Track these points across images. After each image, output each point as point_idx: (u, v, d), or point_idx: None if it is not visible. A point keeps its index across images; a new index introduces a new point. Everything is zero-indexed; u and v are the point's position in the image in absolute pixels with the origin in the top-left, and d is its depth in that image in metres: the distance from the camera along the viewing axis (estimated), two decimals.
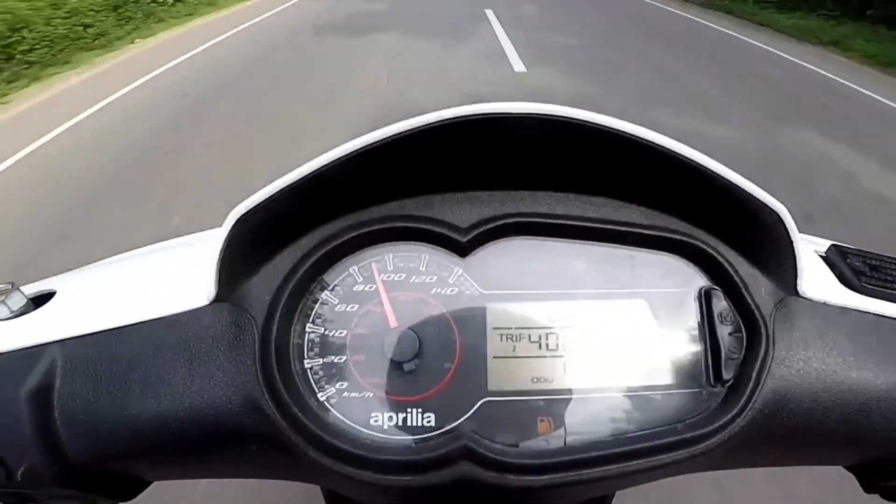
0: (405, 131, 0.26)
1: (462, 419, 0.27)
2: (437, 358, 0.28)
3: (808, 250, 0.35)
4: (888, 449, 0.31)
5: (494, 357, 0.28)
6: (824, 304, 0.30)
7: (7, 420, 0.26)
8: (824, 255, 0.35)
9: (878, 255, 0.35)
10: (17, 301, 0.31)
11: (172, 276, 0.31)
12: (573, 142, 0.27)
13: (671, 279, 0.30)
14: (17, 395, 0.26)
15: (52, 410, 0.27)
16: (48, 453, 0.27)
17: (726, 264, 0.29)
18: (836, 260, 0.34)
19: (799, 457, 0.33)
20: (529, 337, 0.28)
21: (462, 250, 0.29)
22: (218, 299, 0.28)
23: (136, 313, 0.28)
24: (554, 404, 0.27)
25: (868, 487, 0.36)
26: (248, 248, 0.28)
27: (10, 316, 0.30)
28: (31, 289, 0.33)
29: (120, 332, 0.28)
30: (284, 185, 0.26)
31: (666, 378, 0.28)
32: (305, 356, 0.28)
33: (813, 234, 0.40)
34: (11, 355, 0.28)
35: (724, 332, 0.28)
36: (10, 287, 0.31)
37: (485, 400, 0.27)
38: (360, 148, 0.26)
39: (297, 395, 0.26)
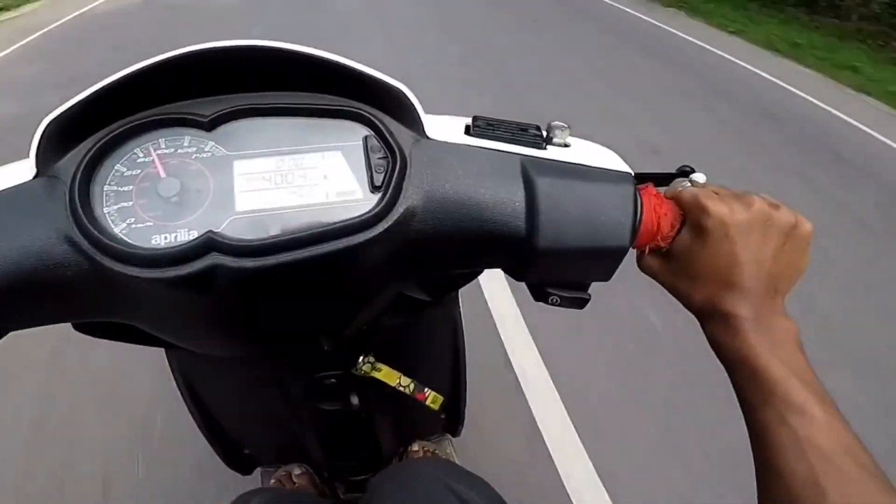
0: (172, 57, 0.40)
1: (217, 230, 0.39)
2: (198, 194, 0.40)
3: (458, 122, 0.50)
4: (503, 244, 0.44)
5: (241, 191, 0.41)
6: (445, 142, 0.45)
7: None
8: (467, 123, 0.50)
9: (500, 119, 0.51)
10: None
11: (6, 170, 0.43)
12: (275, 59, 0.42)
13: (351, 136, 0.44)
14: None
15: None
16: None
17: (376, 120, 0.44)
18: (471, 122, 0.49)
19: (457, 257, 0.47)
20: (264, 177, 0.42)
21: (207, 127, 0.43)
22: (37, 175, 0.40)
23: None
24: (280, 217, 0.41)
25: (532, 294, 0.50)
26: (56, 141, 0.40)
27: None
28: None
29: None
30: (81, 98, 0.39)
31: (350, 194, 0.42)
32: (104, 205, 0.40)
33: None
34: None
35: (375, 158, 0.43)
36: None
37: (233, 217, 0.40)
38: (143, 68, 0.39)
39: (98, 227, 0.38)
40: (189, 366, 0.85)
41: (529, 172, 0.44)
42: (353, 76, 0.43)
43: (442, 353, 0.96)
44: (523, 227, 0.43)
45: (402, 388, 0.78)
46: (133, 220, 0.40)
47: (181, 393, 0.89)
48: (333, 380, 0.74)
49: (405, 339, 0.85)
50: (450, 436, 1.22)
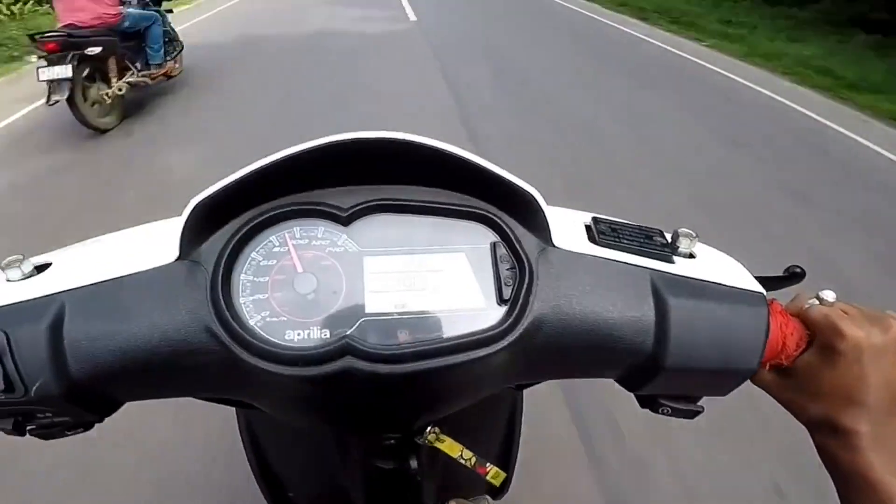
0: (306, 150, 0.41)
1: (348, 331, 0.40)
2: (332, 292, 0.41)
3: (578, 221, 0.50)
4: (626, 360, 0.43)
5: (370, 291, 0.42)
6: (571, 252, 0.44)
7: (30, 347, 0.38)
8: (587, 224, 0.50)
9: (621, 222, 0.51)
10: (27, 267, 0.43)
11: (146, 245, 0.44)
12: (410, 153, 0.43)
13: (478, 238, 0.44)
14: (38, 329, 0.38)
15: (62, 339, 0.39)
16: (57, 373, 0.39)
17: (505, 226, 0.44)
18: (592, 226, 0.49)
19: (575, 368, 0.46)
20: (393, 278, 0.42)
21: (344, 222, 0.43)
22: (180, 258, 0.41)
23: (121, 270, 0.41)
24: (408, 321, 0.41)
25: (639, 401, 0.49)
26: (201, 224, 0.41)
27: (22, 277, 0.43)
28: (33, 260, 0.45)
29: (109, 282, 0.41)
30: (226, 184, 0.40)
31: (475, 302, 0.42)
32: (240, 295, 0.41)
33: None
34: (32, 302, 0.40)
35: (503, 269, 0.43)
36: (21, 257, 0.44)
37: (363, 319, 0.41)
38: (281, 158, 0.41)
39: (236, 318, 0.39)
40: (256, 418, 0.87)
41: (661, 291, 0.43)
42: (483, 176, 0.43)
43: (499, 423, 0.95)
44: (650, 345, 0.43)
45: (463, 461, 0.77)
46: (268, 313, 0.40)
47: (241, 434, 0.89)
48: (393, 440, 0.74)
49: (468, 413, 0.85)
50: (489, 498, 1.19)
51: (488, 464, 0.80)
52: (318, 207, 0.43)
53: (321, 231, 0.43)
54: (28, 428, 0.43)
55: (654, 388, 0.47)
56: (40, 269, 0.44)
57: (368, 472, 0.83)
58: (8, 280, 0.42)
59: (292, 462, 0.95)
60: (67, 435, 0.45)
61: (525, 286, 0.42)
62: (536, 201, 0.44)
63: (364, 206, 0.43)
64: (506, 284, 0.42)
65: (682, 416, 0.48)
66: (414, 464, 0.80)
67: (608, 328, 0.43)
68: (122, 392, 0.43)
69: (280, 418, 0.54)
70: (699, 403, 0.49)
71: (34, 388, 0.38)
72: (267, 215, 0.42)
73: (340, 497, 1.01)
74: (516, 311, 0.41)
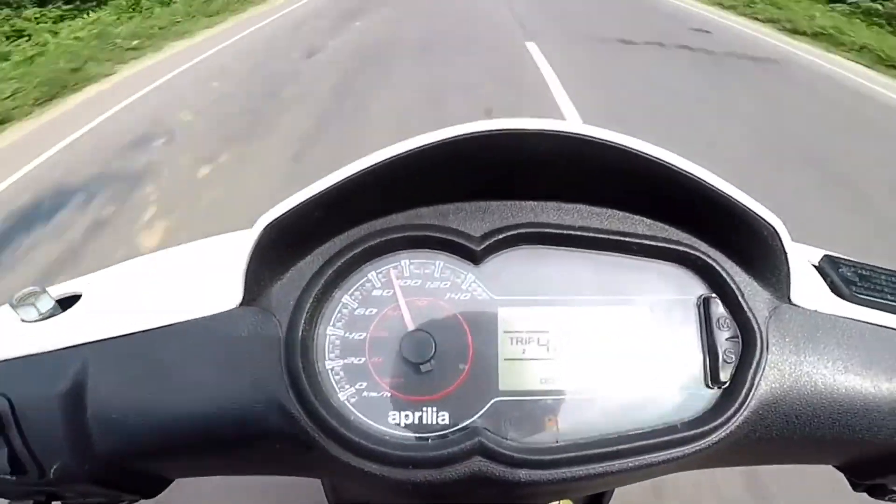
0: (422, 146, 0.27)
1: (475, 417, 0.28)
2: (452, 359, 0.29)
3: (802, 259, 0.37)
4: (873, 450, 0.32)
5: (505, 359, 0.30)
6: (815, 311, 0.32)
7: (41, 419, 0.28)
8: (817, 264, 0.37)
9: (869, 265, 0.37)
10: (46, 304, 0.32)
11: (199, 279, 0.32)
12: (579, 156, 0.29)
13: (672, 287, 0.31)
14: (50, 396, 0.28)
15: (85, 410, 0.28)
16: (80, 452, 0.28)
17: (724, 273, 0.31)
18: (829, 269, 0.35)
19: (791, 456, 0.35)
20: (538, 340, 0.30)
21: (475, 258, 0.30)
22: (245, 303, 0.29)
23: (164, 316, 0.30)
24: (561, 404, 0.29)
25: (856, 486, 0.38)
26: (273, 254, 0.29)
27: (39, 318, 0.31)
28: (57, 290, 0.34)
29: (149, 334, 0.29)
30: (310, 195, 0.28)
31: (666, 380, 0.30)
32: (326, 357, 0.29)
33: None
34: (44, 356, 0.29)
35: (721, 337, 0.30)
36: (38, 290, 0.32)
37: (496, 399, 0.29)
38: (381, 161, 0.28)
39: (319, 394, 0.28)
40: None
41: None
42: (697, 194, 0.29)
43: None
44: None
45: None
46: (365, 384, 0.29)
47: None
48: None
49: None
50: None
51: None
52: (438, 235, 0.30)
53: (440, 268, 0.31)
54: None
55: (892, 479, 0.35)
56: (65, 303, 0.33)
57: None
58: (21, 320, 0.31)
59: None
60: None
61: (754, 364, 0.29)
62: (779, 239, 0.30)
63: (505, 235, 0.30)
64: (725, 361, 0.30)
65: None
66: None
67: (865, 415, 0.30)
68: (166, 471, 0.33)
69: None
70: None
71: (52, 470, 0.28)
72: (366, 245, 0.30)
73: None
74: (738, 400, 0.29)
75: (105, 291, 0.34)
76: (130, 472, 0.31)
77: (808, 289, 0.33)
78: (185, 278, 0.33)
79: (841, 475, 0.39)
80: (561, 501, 0.64)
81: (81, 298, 0.33)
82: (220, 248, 0.35)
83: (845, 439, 0.31)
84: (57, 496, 0.31)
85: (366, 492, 0.40)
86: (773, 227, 0.30)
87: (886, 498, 0.38)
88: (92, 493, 0.31)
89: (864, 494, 0.40)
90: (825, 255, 0.37)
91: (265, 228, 0.28)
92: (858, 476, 0.36)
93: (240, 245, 0.29)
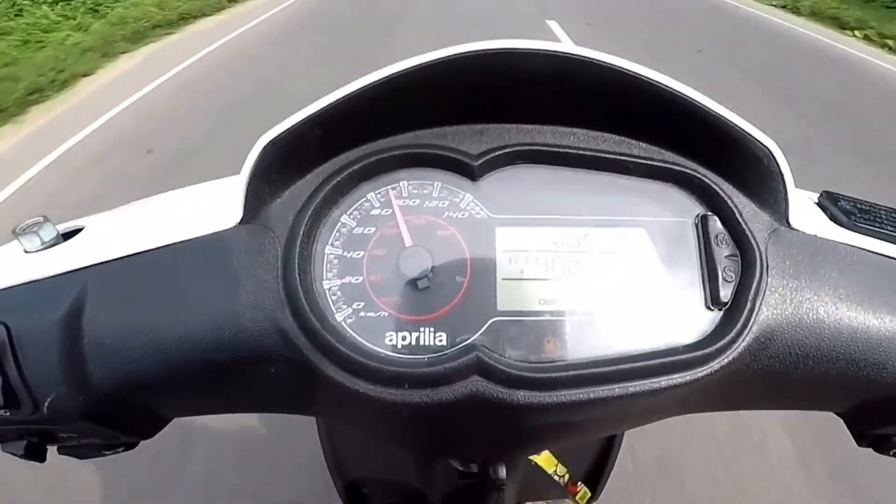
0: (418, 65, 0.27)
1: (473, 337, 0.28)
2: (449, 276, 0.29)
3: (801, 194, 0.36)
4: (878, 391, 0.31)
5: (503, 278, 0.29)
6: (815, 236, 0.31)
7: (38, 348, 0.28)
8: (817, 200, 0.36)
9: (868, 202, 0.36)
10: (49, 233, 0.32)
11: (199, 206, 0.32)
12: (578, 79, 0.29)
13: (670, 208, 0.31)
14: (48, 322, 0.28)
15: (81, 337, 0.28)
16: (75, 382, 0.28)
17: (722, 193, 0.30)
18: (828, 203, 0.35)
19: (794, 398, 0.34)
20: (536, 259, 0.29)
21: (472, 175, 0.30)
22: (244, 221, 0.29)
23: (164, 238, 0.30)
24: (560, 325, 0.28)
25: (860, 438, 0.37)
26: (272, 173, 0.29)
27: (41, 247, 0.32)
28: (61, 227, 0.34)
29: (148, 255, 0.29)
30: (309, 114, 0.28)
31: (667, 301, 0.29)
32: (324, 276, 0.29)
33: None
34: (42, 283, 0.29)
35: (720, 255, 0.29)
36: (41, 220, 0.32)
37: (494, 319, 0.28)
38: (379, 80, 0.27)
39: (316, 312, 0.27)
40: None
41: None
42: (693, 117, 0.29)
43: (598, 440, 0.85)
44: None
45: (556, 478, 0.66)
46: (363, 305, 0.29)
47: (319, 434, 0.81)
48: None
49: None
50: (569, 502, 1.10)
51: (580, 483, 0.70)
52: (436, 152, 0.30)
53: (438, 187, 0.31)
54: (52, 447, 0.32)
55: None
56: (68, 236, 0.33)
57: (449, 477, 0.76)
58: (25, 251, 0.32)
59: (369, 463, 0.88)
60: (105, 454, 0.34)
61: (754, 284, 0.28)
62: (775, 161, 0.29)
63: (501, 152, 0.30)
64: (725, 280, 0.29)
65: None
66: (502, 472, 0.71)
67: (866, 349, 0.29)
68: (163, 407, 0.32)
69: (343, 424, 0.42)
70: None
71: (46, 403, 0.28)
72: (364, 163, 0.30)
73: (418, 499, 0.93)
74: (741, 321, 0.28)
75: (108, 223, 0.34)
76: (126, 409, 0.30)
77: (809, 217, 0.32)
78: (187, 208, 0.34)
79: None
80: (542, 456, 0.64)
81: (84, 230, 0.33)
82: (224, 185, 0.35)
83: (849, 376, 0.30)
84: (51, 436, 0.31)
85: (360, 429, 0.40)
86: (769, 149, 0.29)
87: (892, 453, 0.37)
88: (87, 430, 0.31)
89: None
90: (824, 192, 0.36)
91: (266, 146, 0.28)
92: (861, 426, 0.35)
93: (240, 176, 0.29)
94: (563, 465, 0.66)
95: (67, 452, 0.33)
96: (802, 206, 0.34)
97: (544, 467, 0.64)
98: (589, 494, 0.69)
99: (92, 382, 0.28)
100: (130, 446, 0.34)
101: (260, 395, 0.31)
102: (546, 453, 0.63)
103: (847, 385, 0.31)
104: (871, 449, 0.37)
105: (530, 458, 0.63)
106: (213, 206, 0.31)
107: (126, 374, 0.28)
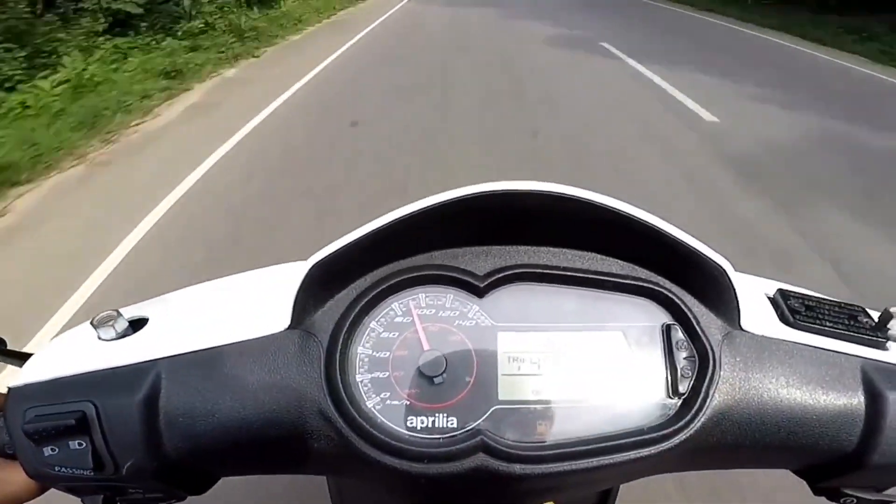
0: (437, 204, 0.35)
1: (478, 421, 0.35)
2: (460, 374, 0.36)
3: (759, 292, 0.43)
4: (820, 455, 0.38)
5: (503, 374, 0.36)
6: (763, 336, 0.38)
7: (121, 422, 0.34)
8: (771, 296, 0.43)
9: (816, 297, 0.43)
10: (121, 325, 0.38)
11: (253, 305, 0.39)
12: (561, 209, 0.36)
13: (641, 316, 0.38)
14: (131, 402, 0.34)
15: (158, 415, 0.34)
16: (151, 451, 0.34)
17: (682, 305, 0.37)
18: (780, 301, 0.42)
19: (748, 460, 0.40)
20: (531, 359, 0.36)
21: (479, 293, 0.37)
22: (292, 326, 0.36)
23: (225, 336, 0.36)
24: (549, 411, 0.35)
25: (814, 489, 0.43)
26: (317, 286, 0.36)
27: (116, 337, 0.38)
28: (127, 314, 0.41)
29: (212, 351, 0.36)
30: (350, 241, 0.35)
31: (637, 393, 0.36)
32: (357, 371, 0.36)
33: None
34: (124, 369, 0.36)
35: (680, 356, 0.36)
36: (115, 313, 0.39)
37: (496, 407, 0.35)
38: (403, 216, 0.35)
39: (353, 401, 0.34)
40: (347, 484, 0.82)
41: (875, 383, 0.37)
42: (658, 241, 0.36)
43: None
44: (855, 442, 0.37)
45: None
46: (388, 394, 0.35)
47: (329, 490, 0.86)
48: None
49: None
50: None
51: None
52: (449, 274, 0.37)
53: (450, 300, 0.38)
54: (118, 499, 0.38)
55: (843, 481, 0.40)
56: (135, 325, 0.39)
57: None
58: (100, 339, 0.38)
59: None
60: None
61: (707, 379, 0.35)
62: (727, 276, 0.37)
63: (502, 274, 0.37)
64: (682, 376, 0.36)
65: None
66: None
67: (806, 425, 0.36)
68: (218, 469, 0.39)
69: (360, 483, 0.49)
70: (889, 492, 0.42)
71: (125, 466, 0.34)
72: (391, 282, 0.37)
73: None
74: (695, 408, 0.35)
75: (169, 315, 0.41)
76: (188, 471, 0.36)
77: (759, 317, 0.39)
78: (241, 304, 0.40)
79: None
80: None
81: (150, 321, 0.40)
82: (271, 277, 0.42)
83: (792, 445, 0.37)
84: (122, 491, 0.37)
85: (381, 492, 0.45)
86: (721, 267, 0.36)
87: (841, 501, 0.42)
88: (154, 488, 0.37)
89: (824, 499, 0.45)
90: (778, 289, 0.43)
91: (313, 266, 0.35)
92: (814, 480, 0.42)
93: (289, 275, 0.36)
94: None
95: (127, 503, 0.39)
96: (755, 304, 0.41)
97: None
98: None
99: (164, 451, 0.34)
100: (181, 499, 0.40)
101: (300, 462, 0.37)
102: None
103: (791, 451, 0.38)
104: (824, 498, 0.43)
105: None
106: (264, 305, 0.38)
107: (192, 445, 0.35)
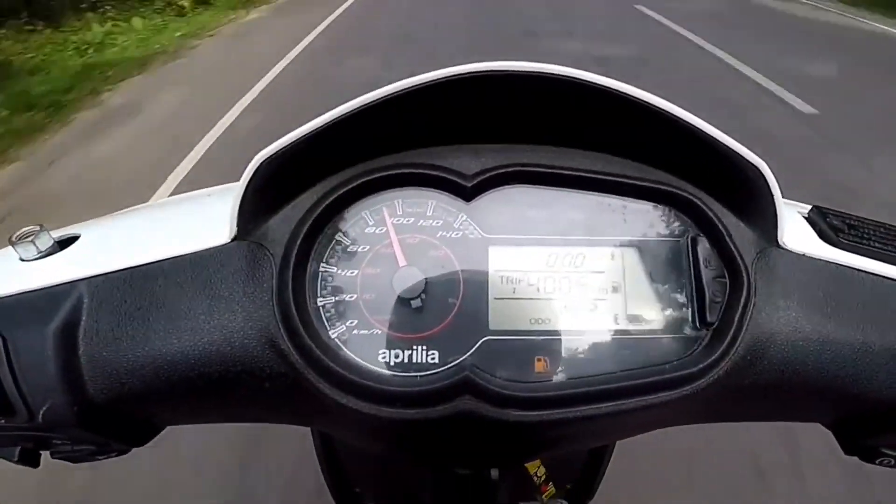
0: (416, 85, 0.28)
1: (464, 356, 0.29)
2: (442, 296, 0.30)
3: (791, 210, 0.37)
4: (865, 405, 0.32)
5: (495, 298, 0.30)
6: (803, 255, 0.32)
7: (33, 358, 0.28)
8: (806, 215, 0.37)
9: (857, 216, 0.38)
10: (45, 242, 0.32)
11: (194, 219, 0.33)
12: (571, 100, 0.29)
13: (660, 228, 0.32)
14: (44, 332, 0.28)
15: (77, 348, 0.28)
16: (70, 392, 0.28)
17: (710, 213, 0.31)
18: (817, 219, 0.36)
19: (781, 411, 0.35)
20: (528, 280, 0.30)
21: (467, 195, 0.31)
22: (238, 237, 0.30)
23: (160, 252, 0.30)
24: (550, 344, 0.29)
25: (847, 448, 0.38)
26: (267, 191, 0.30)
27: (37, 256, 0.32)
28: (57, 234, 0.34)
29: (144, 269, 0.29)
30: (305, 132, 0.28)
31: (655, 321, 0.30)
32: (318, 294, 0.29)
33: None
34: (39, 293, 0.29)
35: (708, 276, 0.30)
36: (38, 228, 0.32)
37: (486, 338, 0.29)
38: (375, 100, 0.28)
39: (310, 330, 0.28)
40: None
41: None
42: (685, 137, 0.30)
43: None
44: None
45: (536, 478, 0.68)
46: (356, 322, 0.29)
47: (313, 437, 0.82)
48: None
49: None
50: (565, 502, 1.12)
51: (550, 483, 0.72)
52: (431, 172, 0.31)
53: (432, 206, 0.31)
54: (45, 452, 0.33)
55: (883, 439, 0.35)
56: (64, 244, 0.33)
57: (442, 478, 0.78)
58: (21, 259, 0.31)
59: (362, 463, 0.88)
60: (99, 459, 0.34)
61: (741, 306, 0.29)
62: (765, 179, 0.30)
63: (495, 172, 0.31)
64: (712, 301, 0.30)
65: None
66: (495, 473, 0.73)
67: (852, 365, 0.31)
68: (157, 416, 0.33)
69: (339, 437, 0.43)
70: None
71: (41, 411, 0.28)
72: (359, 181, 0.30)
73: (411, 500, 0.95)
74: (727, 340, 0.29)
75: (103, 233, 0.34)
76: (121, 418, 0.31)
77: (797, 234, 0.33)
78: (181, 220, 0.34)
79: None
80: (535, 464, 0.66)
81: (79, 238, 0.33)
82: (215, 195, 0.35)
83: (835, 391, 0.32)
84: (45, 442, 0.31)
85: (353, 440, 0.40)
86: (759, 168, 0.30)
87: (877, 461, 0.38)
88: (81, 438, 0.31)
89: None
90: (814, 206, 0.37)
91: (261, 163, 0.28)
92: (848, 436, 0.37)
93: (235, 189, 0.29)
94: (551, 468, 0.68)
95: (60, 457, 0.33)
96: (791, 222, 0.35)
97: (528, 467, 0.66)
98: (553, 491, 0.71)
99: (87, 392, 0.28)
100: (123, 452, 0.35)
101: (253, 407, 0.32)
102: None
103: (833, 399, 0.33)
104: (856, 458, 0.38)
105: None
106: (208, 220, 0.31)
107: (120, 385, 0.29)
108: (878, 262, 0.33)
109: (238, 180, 0.29)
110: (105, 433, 0.31)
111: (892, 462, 0.37)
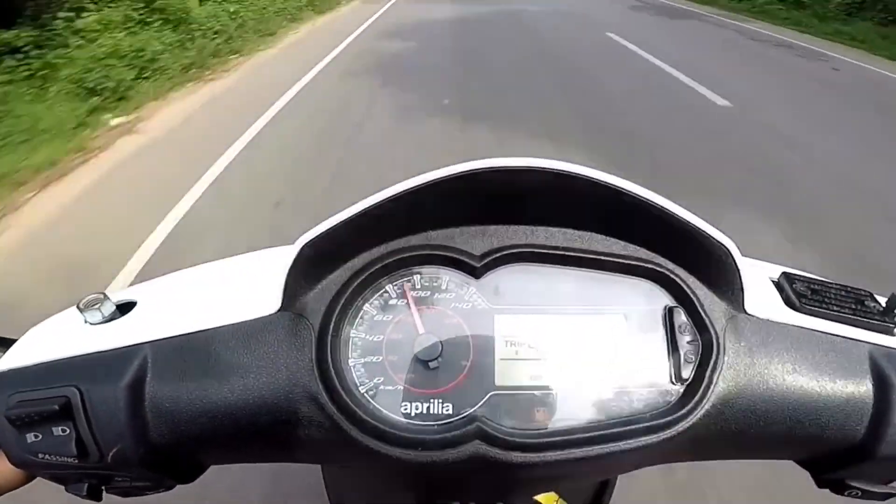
0: (430, 182, 0.33)
1: (475, 407, 0.33)
2: (455, 358, 0.34)
3: (763, 276, 0.42)
4: (827, 445, 0.36)
5: (501, 359, 0.35)
6: (768, 320, 0.37)
7: (106, 408, 0.32)
8: (776, 280, 0.42)
9: (821, 280, 0.42)
10: (108, 308, 0.37)
11: (243, 288, 0.38)
12: (560, 187, 0.35)
13: (643, 298, 0.37)
14: (116, 387, 0.33)
15: (143, 400, 0.33)
16: (137, 437, 0.33)
17: (685, 287, 0.36)
18: (784, 284, 0.40)
19: (752, 450, 0.39)
20: (529, 343, 0.35)
21: (476, 273, 0.36)
22: (282, 308, 0.35)
23: (214, 319, 0.35)
24: (548, 398, 0.34)
25: (819, 482, 0.42)
26: (308, 267, 0.35)
27: (102, 320, 0.37)
28: (115, 297, 0.39)
29: (200, 334, 0.35)
30: (342, 219, 0.33)
31: (638, 378, 0.35)
32: (350, 356, 0.34)
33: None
34: (110, 354, 0.34)
35: (682, 340, 0.35)
36: (102, 296, 0.38)
37: (493, 392, 0.34)
38: (397, 193, 0.33)
39: (344, 386, 0.33)
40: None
41: (883, 369, 0.36)
42: (661, 221, 0.35)
43: None
44: (862, 432, 0.36)
45: None
46: (382, 380, 0.34)
47: (323, 475, 0.85)
48: None
49: None
50: None
51: None
52: (444, 254, 0.36)
53: (446, 281, 0.36)
54: (103, 488, 0.37)
55: (848, 473, 0.39)
56: (123, 308, 0.38)
57: None
58: (87, 322, 0.37)
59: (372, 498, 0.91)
60: (148, 494, 0.39)
61: (711, 365, 0.34)
62: (732, 257, 0.35)
63: (500, 254, 0.36)
64: (686, 361, 0.35)
65: (875, 498, 0.41)
66: None
67: (812, 413, 0.35)
68: (206, 457, 0.37)
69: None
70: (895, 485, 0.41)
71: (111, 454, 0.33)
72: (385, 262, 0.35)
73: None
74: (698, 394, 0.33)
75: (158, 299, 0.39)
76: (175, 458, 0.35)
77: (764, 301, 0.38)
78: (230, 287, 0.39)
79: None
80: (546, 495, 0.69)
81: (137, 304, 0.38)
82: (261, 261, 0.41)
83: (798, 434, 0.36)
84: (108, 479, 0.36)
85: (369, 486, 0.45)
86: (726, 247, 0.35)
87: (846, 493, 0.41)
88: (140, 476, 0.36)
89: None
90: (783, 272, 0.42)
91: (303, 246, 0.34)
92: (817, 471, 0.40)
93: (279, 259, 0.35)
94: (564, 500, 0.71)
95: (115, 492, 0.38)
96: (760, 288, 0.39)
97: (543, 501, 0.69)
98: None
99: (150, 438, 0.33)
100: (171, 487, 0.39)
101: (291, 450, 0.36)
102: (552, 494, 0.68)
103: (796, 441, 0.37)
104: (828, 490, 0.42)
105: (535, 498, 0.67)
106: (252, 290, 0.36)
107: (179, 432, 0.33)
108: (833, 324, 0.38)
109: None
110: (162, 472, 0.35)
111: (859, 493, 0.40)
